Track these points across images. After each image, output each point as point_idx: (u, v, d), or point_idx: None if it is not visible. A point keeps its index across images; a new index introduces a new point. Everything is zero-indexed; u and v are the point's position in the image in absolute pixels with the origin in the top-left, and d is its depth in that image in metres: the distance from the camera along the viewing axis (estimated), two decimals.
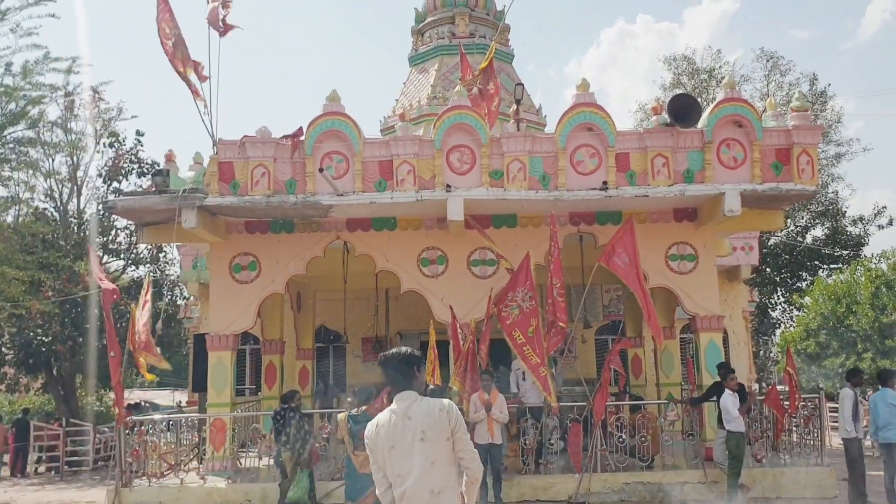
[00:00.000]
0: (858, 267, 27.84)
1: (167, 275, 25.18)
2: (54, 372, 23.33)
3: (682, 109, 11.04)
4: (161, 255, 25.53)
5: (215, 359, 12.45)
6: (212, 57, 11.75)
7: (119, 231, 25.13)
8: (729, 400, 10.16)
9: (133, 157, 25.58)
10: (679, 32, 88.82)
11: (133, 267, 25.91)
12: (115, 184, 25.03)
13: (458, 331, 11.52)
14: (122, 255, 25.03)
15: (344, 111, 11.76)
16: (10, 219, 19.80)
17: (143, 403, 31.16)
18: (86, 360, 22.76)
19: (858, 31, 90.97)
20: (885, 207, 31.03)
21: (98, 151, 24.43)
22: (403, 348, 4.11)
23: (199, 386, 13.48)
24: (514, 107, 12.20)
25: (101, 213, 24.86)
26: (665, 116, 11.54)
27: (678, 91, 29.90)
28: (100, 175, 24.94)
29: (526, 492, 10.94)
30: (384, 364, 4.00)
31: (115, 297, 11.44)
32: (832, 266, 31.55)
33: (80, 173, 24.05)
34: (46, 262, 17.77)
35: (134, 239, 25.42)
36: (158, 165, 26.72)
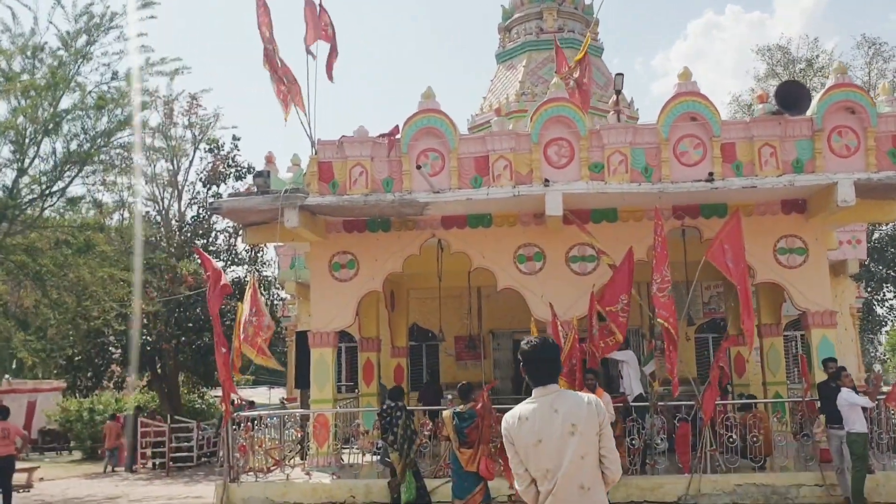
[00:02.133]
0: None
1: (265, 275, 25.77)
2: (158, 370, 24.18)
3: (791, 97, 10.59)
4: (259, 255, 26.13)
5: (317, 355, 12.62)
6: (308, 61, 12.03)
7: (218, 233, 25.90)
8: (853, 398, 9.64)
9: (230, 162, 26.32)
10: (770, 22, 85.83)
11: (232, 267, 26.64)
12: (213, 187, 25.83)
13: (560, 329, 11.31)
14: (221, 257, 25.73)
15: (439, 108, 11.74)
16: (114, 222, 20.59)
17: (239, 401, 32.03)
18: (188, 358, 23.53)
19: None
20: None
21: (199, 157, 25.25)
22: (544, 338, 3.93)
23: (302, 383, 13.68)
24: (614, 97, 11.94)
25: (202, 216, 25.69)
26: (772, 105, 11.09)
27: (781, 81, 28.70)
28: (199, 179, 25.75)
29: (633, 492, 10.66)
30: (528, 355, 3.82)
31: (226, 292, 11.68)
32: None
33: (180, 178, 24.89)
34: (151, 264, 18.38)
35: (233, 241, 26.18)
36: (255, 168, 27.47)
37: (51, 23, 15.43)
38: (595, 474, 3.65)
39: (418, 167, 11.14)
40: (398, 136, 11.62)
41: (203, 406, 28.35)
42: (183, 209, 25.22)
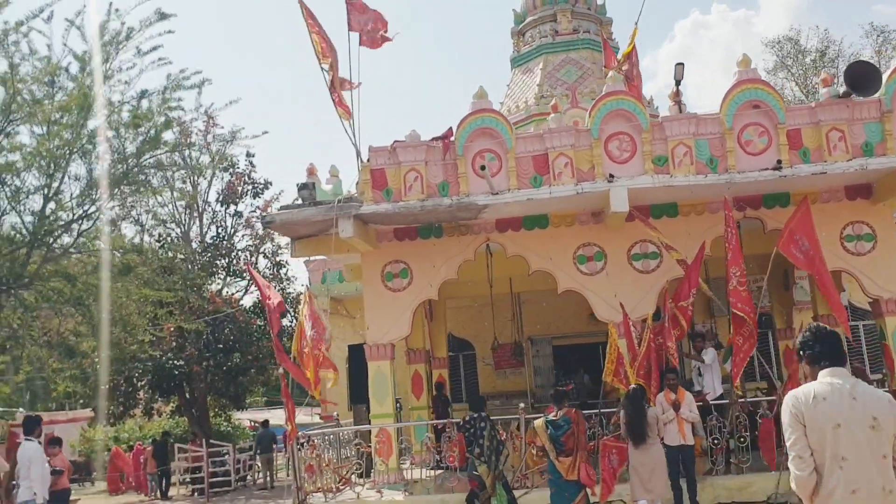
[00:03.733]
0: None
1: (287, 292, 25.38)
2: (187, 394, 23.77)
3: (861, 78, 10.30)
4: (282, 272, 25.75)
5: (374, 369, 12.25)
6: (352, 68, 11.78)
7: (240, 252, 25.55)
8: None
9: (247, 179, 26.01)
10: (756, 19, 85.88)
11: (252, 288, 26.26)
12: (232, 206, 25.51)
13: (632, 329, 10.98)
14: (243, 276, 25.37)
15: (492, 107, 11.45)
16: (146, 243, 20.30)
17: (252, 424, 31.62)
18: (218, 380, 23.13)
19: None
20: None
21: (216, 177, 24.90)
22: (822, 325, 3.67)
23: (358, 398, 13.32)
24: (674, 88, 11.66)
25: (221, 235, 25.34)
26: (837, 88, 10.82)
27: (851, 62, 28.55)
28: (217, 199, 25.43)
29: (721, 493, 10.32)
30: (817, 336, 3.56)
31: (281, 310, 11.35)
32: None
33: (199, 198, 24.54)
34: (183, 286, 18.03)
35: (254, 259, 25.83)
36: (271, 184, 27.23)
37: (65, 45, 15.11)
38: (892, 477, 3.32)
39: (482, 168, 10.83)
40: (452, 139, 11.31)
41: (229, 429, 27.97)
42: (204, 230, 24.87)
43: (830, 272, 11.73)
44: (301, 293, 19.21)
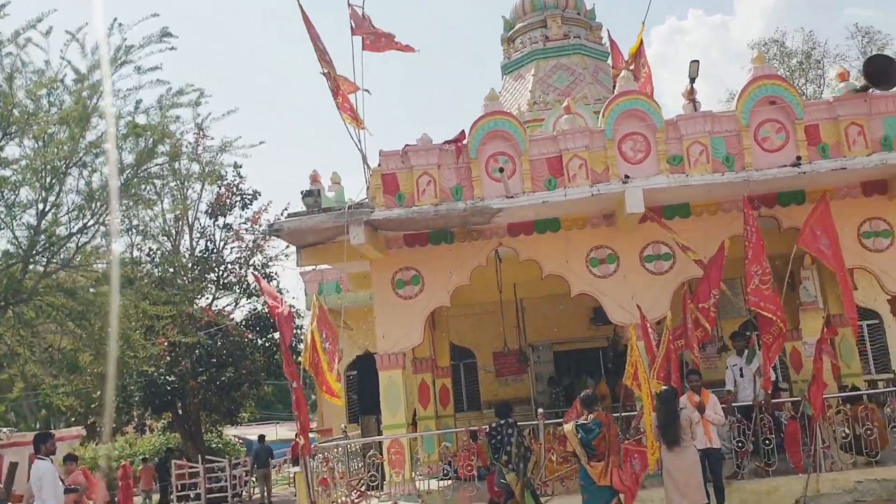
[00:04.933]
0: None
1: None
2: (179, 410, 23.31)
3: (881, 71, 10.19)
4: (272, 284, 25.35)
5: (386, 379, 11.95)
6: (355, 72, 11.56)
7: (229, 266, 25.15)
8: None
9: (235, 190, 25.65)
10: (733, 24, 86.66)
11: (242, 301, 25.86)
12: (221, 218, 25.13)
13: (650, 330, 10.77)
14: (234, 289, 24.97)
15: (504, 109, 11.24)
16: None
17: (234, 438, 31.15)
18: (212, 395, 22.71)
19: None
20: None
21: (205, 189, 24.49)
22: None
23: (367, 409, 13.00)
24: (689, 86, 11.51)
25: (211, 249, 24.94)
26: (854, 83, 10.72)
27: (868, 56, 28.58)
28: (206, 212, 25.03)
29: (748, 497, 10.10)
30: None
31: (291, 319, 11.04)
32: None
33: (189, 211, 24.10)
34: (180, 298, 17.65)
35: (244, 272, 25.42)
36: (260, 195, 26.86)
37: (63, 58, 14.77)
38: None
39: (500, 170, 10.61)
40: (465, 142, 11.09)
41: (220, 445, 27.52)
42: (194, 243, 24.47)
43: (848, 269, 11.63)
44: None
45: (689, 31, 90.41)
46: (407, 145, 11.16)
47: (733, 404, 10.76)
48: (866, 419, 10.34)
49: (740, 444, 10.39)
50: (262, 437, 22.99)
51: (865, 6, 75.36)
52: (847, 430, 10.31)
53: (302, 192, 11.88)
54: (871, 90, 10.43)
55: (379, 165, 11.22)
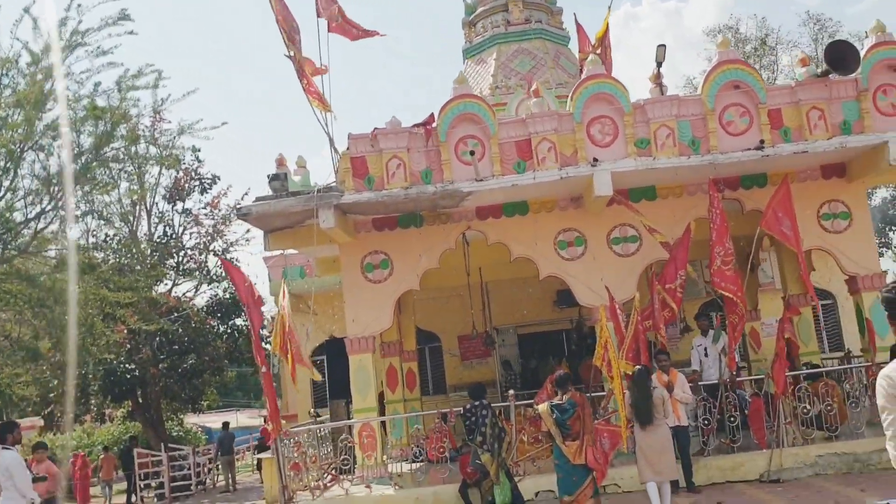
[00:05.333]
0: None
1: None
2: (139, 399, 22.97)
3: (840, 57, 10.42)
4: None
5: (356, 363, 11.95)
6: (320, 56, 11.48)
7: (189, 251, 24.78)
8: None
9: (193, 175, 25.24)
10: (686, 10, 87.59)
11: (203, 287, 25.51)
12: (179, 203, 24.73)
13: (619, 311, 10.93)
14: (194, 275, 24.61)
15: (474, 93, 11.25)
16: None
17: (195, 427, 30.87)
18: (174, 383, 22.42)
19: None
20: None
21: (162, 174, 24.05)
22: None
23: (337, 393, 12.98)
24: (656, 70, 11.63)
25: (170, 234, 24.54)
26: (814, 68, 10.95)
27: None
28: (164, 196, 24.60)
29: (714, 473, 10.36)
30: None
31: (260, 304, 10.96)
32: None
33: (147, 196, 23.68)
34: (143, 284, 17.36)
35: (204, 258, 25.06)
36: (219, 180, 26.51)
37: (16, 38, 14.39)
38: None
39: (471, 153, 10.63)
40: (434, 125, 11.08)
41: (181, 433, 27.20)
42: (153, 229, 24.02)
43: (789, 252, 11.93)
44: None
45: (643, 17, 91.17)
46: (376, 128, 11.11)
47: (699, 383, 10.98)
48: (826, 395, 10.64)
49: (706, 422, 10.62)
50: (226, 424, 22.80)
51: None
52: (808, 407, 10.58)
53: (268, 176, 11.76)
54: (831, 75, 10.65)
55: (348, 149, 11.16)
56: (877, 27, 10.89)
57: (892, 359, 9.58)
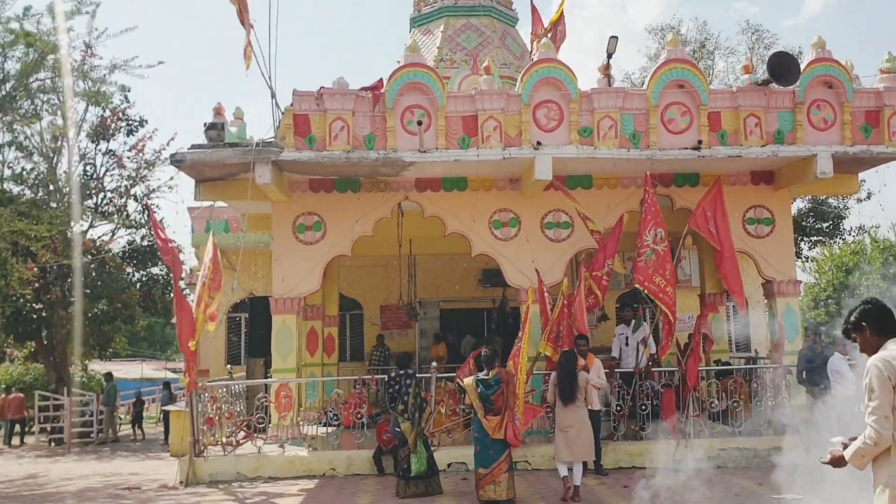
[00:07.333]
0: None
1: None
2: (44, 340, 22.20)
3: (783, 68, 10.75)
4: (157, 217, 24.29)
5: (279, 323, 11.86)
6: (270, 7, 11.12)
7: (109, 193, 23.94)
8: (841, 363, 9.95)
9: (121, 115, 24.34)
10: (630, 3, 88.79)
11: (121, 231, 24.74)
12: (103, 143, 23.84)
13: (546, 295, 11.10)
14: (112, 218, 23.81)
15: (425, 62, 11.19)
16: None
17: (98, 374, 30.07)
18: (82, 327, 21.72)
19: (802, 9, 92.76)
20: (864, 181, 31.52)
21: (88, 111, 23.10)
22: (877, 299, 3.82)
23: (257, 351, 12.83)
24: (606, 61, 11.76)
25: (91, 174, 23.66)
26: (757, 75, 11.26)
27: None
28: (88, 135, 23.67)
29: (622, 458, 10.69)
30: (882, 310, 3.87)
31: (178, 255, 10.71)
32: (815, 238, 32.08)
33: (71, 133, 22.73)
34: (60, 221, 16.73)
35: (124, 201, 24.26)
36: (147, 122, 25.65)
37: None
38: None
39: (419, 123, 10.55)
40: (382, 91, 10.96)
41: (85, 378, 26.43)
42: (73, 167, 23.08)
43: (707, 253, 12.31)
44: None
45: (587, 5, 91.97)
46: (323, 87, 10.93)
47: (616, 370, 11.28)
48: (734, 392, 11.08)
49: (619, 408, 10.93)
50: (109, 375, 22.30)
51: (752, 1, 78.81)
52: (716, 402, 11.00)
53: (205, 124, 11.44)
54: (771, 84, 10.99)
55: (292, 105, 10.95)
56: (818, 43, 11.26)
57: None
